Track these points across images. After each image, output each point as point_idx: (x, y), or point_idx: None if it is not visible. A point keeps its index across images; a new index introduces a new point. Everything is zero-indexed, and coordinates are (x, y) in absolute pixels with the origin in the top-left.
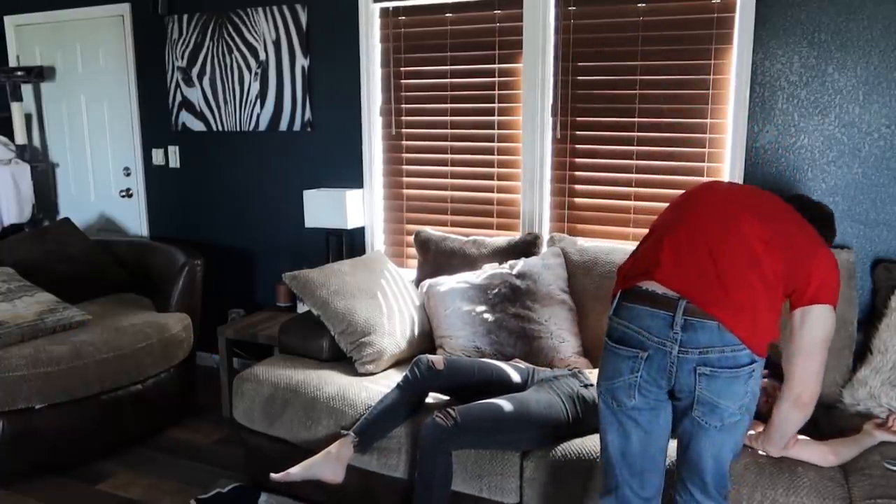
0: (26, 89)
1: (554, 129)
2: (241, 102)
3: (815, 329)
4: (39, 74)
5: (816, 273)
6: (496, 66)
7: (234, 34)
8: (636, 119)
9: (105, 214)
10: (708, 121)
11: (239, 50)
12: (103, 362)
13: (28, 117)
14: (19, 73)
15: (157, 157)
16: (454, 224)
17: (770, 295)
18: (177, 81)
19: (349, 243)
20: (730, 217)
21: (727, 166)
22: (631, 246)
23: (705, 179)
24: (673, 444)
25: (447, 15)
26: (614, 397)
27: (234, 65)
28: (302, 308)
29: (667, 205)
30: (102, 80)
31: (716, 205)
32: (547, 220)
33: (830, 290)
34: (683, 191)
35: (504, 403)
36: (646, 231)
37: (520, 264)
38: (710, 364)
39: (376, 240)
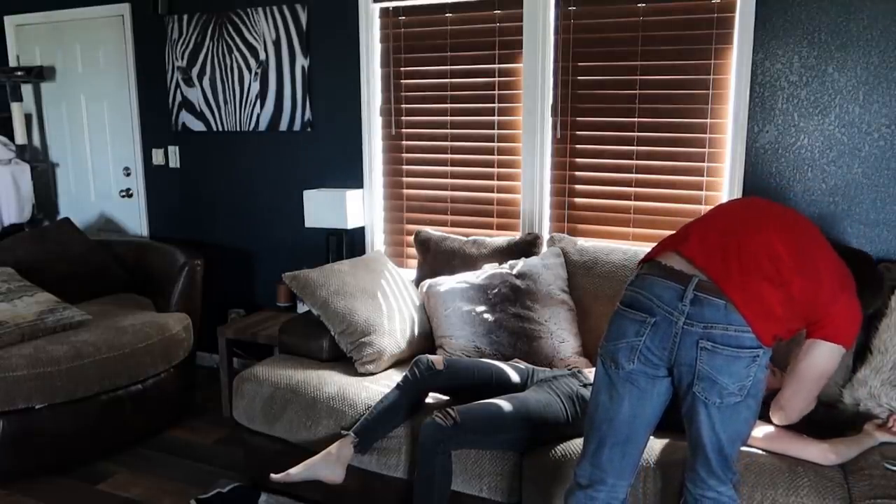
0: (26, 89)
1: (554, 129)
2: (241, 102)
3: (816, 362)
4: (39, 74)
5: (836, 317)
6: (496, 66)
7: (234, 34)
8: (636, 119)
9: (105, 214)
10: (708, 121)
11: (239, 50)
12: (103, 362)
13: (28, 117)
14: (19, 73)
15: (157, 157)
16: (454, 224)
17: (782, 297)
18: (177, 81)
19: (349, 243)
20: (763, 224)
21: (727, 166)
22: (631, 246)
23: (705, 179)
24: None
25: (447, 15)
26: (614, 359)
27: (234, 65)
28: (302, 308)
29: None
30: (102, 80)
31: (755, 211)
32: (547, 220)
33: (847, 335)
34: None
35: (504, 403)
36: (646, 231)
37: (520, 264)
38: (712, 339)
39: (376, 240)
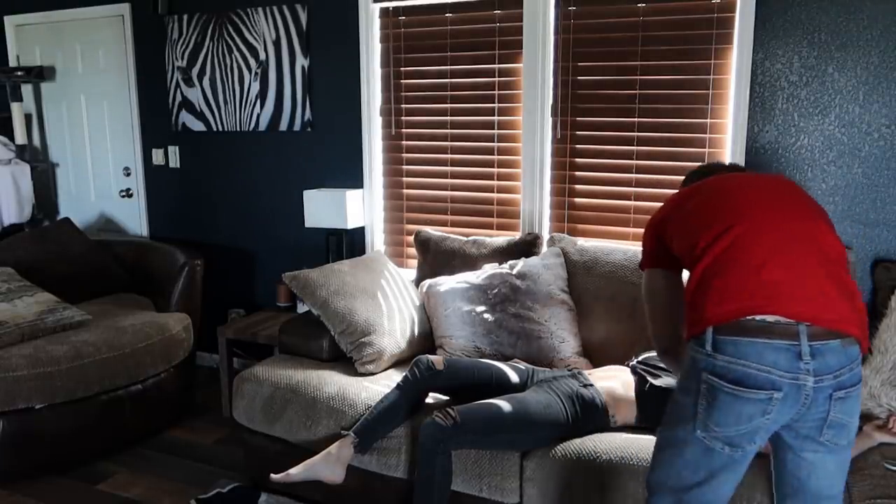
0: (26, 89)
1: (554, 129)
2: (241, 102)
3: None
4: (39, 74)
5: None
6: (496, 66)
7: (234, 34)
8: (636, 119)
9: (105, 214)
10: (708, 121)
11: (239, 50)
12: (103, 362)
13: (28, 117)
14: (19, 73)
15: (157, 157)
16: (454, 224)
17: (853, 282)
18: (177, 81)
19: (349, 243)
20: (796, 219)
21: None
22: (631, 246)
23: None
24: None
25: (447, 15)
26: (731, 443)
27: (234, 65)
28: (302, 308)
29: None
30: (102, 81)
31: (773, 204)
32: (547, 220)
33: None
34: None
35: (503, 404)
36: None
37: (520, 264)
38: (843, 387)
39: (376, 240)
